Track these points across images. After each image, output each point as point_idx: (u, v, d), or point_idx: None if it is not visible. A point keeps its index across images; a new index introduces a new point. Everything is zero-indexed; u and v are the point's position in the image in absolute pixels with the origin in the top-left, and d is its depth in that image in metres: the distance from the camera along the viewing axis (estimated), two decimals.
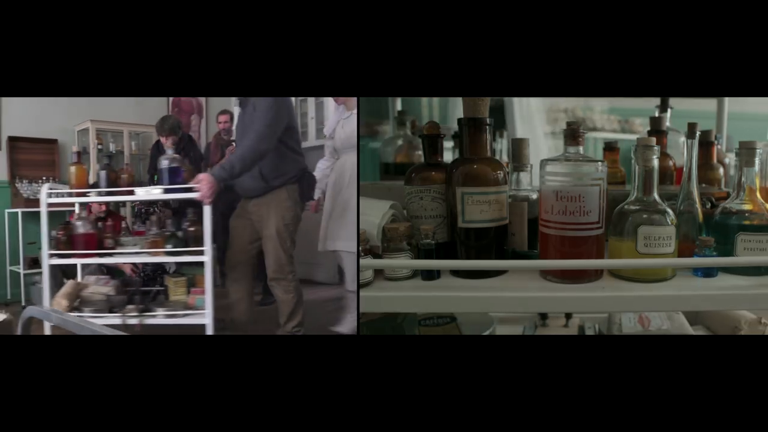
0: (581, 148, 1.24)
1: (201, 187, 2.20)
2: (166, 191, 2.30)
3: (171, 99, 5.48)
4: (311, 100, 4.81)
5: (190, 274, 2.63)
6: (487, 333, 1.64)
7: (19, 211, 4.18)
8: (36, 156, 4.51)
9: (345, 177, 2.85)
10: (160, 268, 3.03)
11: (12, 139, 4.37)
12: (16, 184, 4.34)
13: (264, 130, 2.29)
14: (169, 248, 2.34)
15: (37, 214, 2.06)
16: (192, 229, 2.38)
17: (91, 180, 2.61)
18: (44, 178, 4.39)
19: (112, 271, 2.99)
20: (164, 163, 2.33)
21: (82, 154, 3.16)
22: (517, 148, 1.42)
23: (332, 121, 3.04)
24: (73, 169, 2.41)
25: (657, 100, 1.92)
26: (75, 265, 2.64)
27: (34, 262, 4.06)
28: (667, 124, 1.79)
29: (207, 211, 2.22)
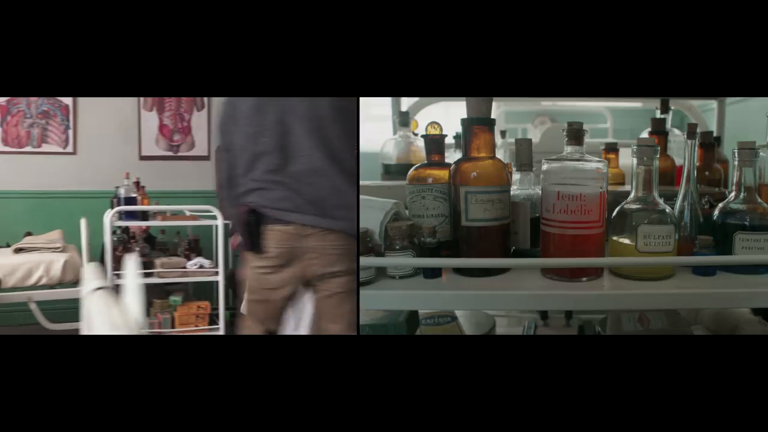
0: (582, 148, 1.25)
1: None
2: None
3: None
4: None
5: None
6: (487, 332, 1.64)
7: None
8: None
9: None
10: None
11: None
12: None
13: None
14: None
15: None
16: None
17: None
18: None
19: None
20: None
21: None
22: (521, 147, 1.44)
23: None
24: None
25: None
26: None
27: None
28: (668, 126, 1.80)
29: None
